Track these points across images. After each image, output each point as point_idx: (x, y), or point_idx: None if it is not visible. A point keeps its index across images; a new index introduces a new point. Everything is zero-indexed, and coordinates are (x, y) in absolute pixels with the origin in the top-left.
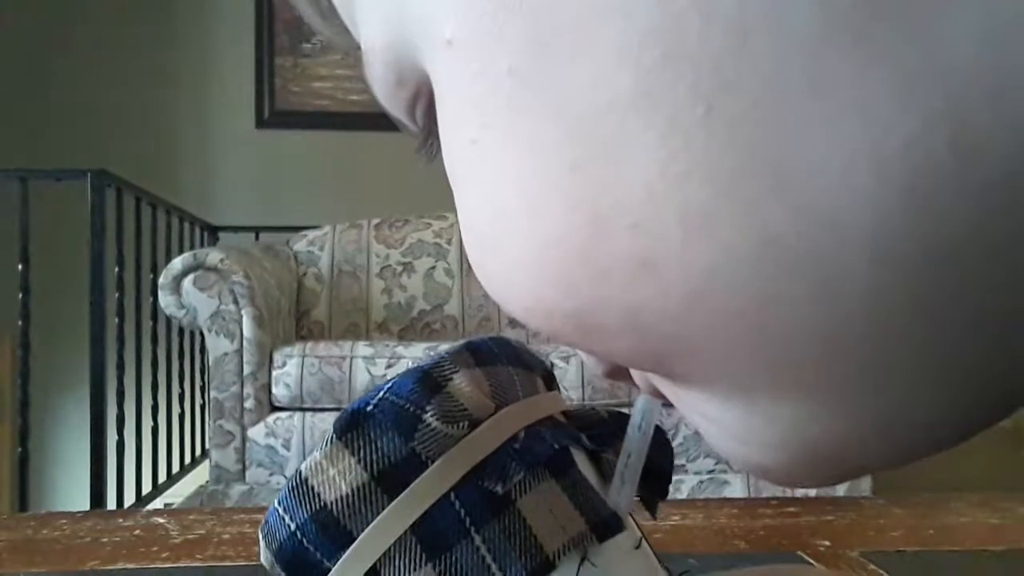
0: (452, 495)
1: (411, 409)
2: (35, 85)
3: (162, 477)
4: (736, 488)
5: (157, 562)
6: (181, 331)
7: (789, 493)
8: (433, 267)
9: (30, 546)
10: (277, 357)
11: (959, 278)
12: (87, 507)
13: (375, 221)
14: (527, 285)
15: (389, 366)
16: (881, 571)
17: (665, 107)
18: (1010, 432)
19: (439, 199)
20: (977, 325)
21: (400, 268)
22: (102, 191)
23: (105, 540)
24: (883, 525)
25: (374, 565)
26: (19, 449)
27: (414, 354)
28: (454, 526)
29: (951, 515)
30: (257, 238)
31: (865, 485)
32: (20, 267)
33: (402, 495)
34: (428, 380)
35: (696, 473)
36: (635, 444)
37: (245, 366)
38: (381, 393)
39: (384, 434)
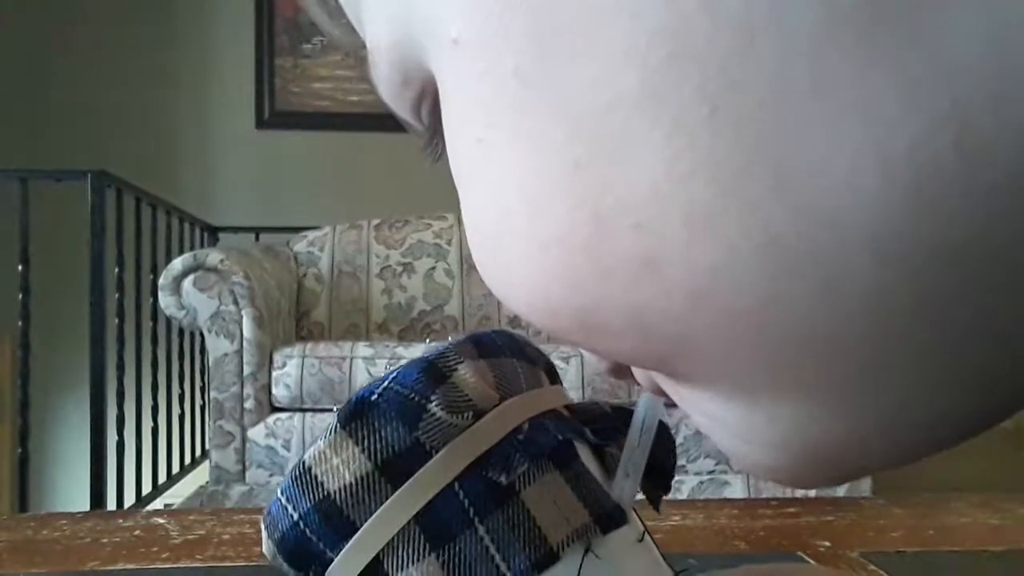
0: (456, 485)
1: (415, 399)
2: (35, 85)
3: (162, 478)
4: (736, 489)
5: (157, 563)
6: (181, 332)
7: (789, 493)
8: (433, 268)
9: (30, 546)
10: (277, 358)
11: (962, 279)
12: (87, 507)
13: (375, 222)
14: (531, 283)
15: (389, 367)
16: (881, 571)
17: (670, 107)
18: (1011, 433)
19: (439, 200)
20: (979, 326)
21: (400, 269)
22: (102, 191)
23: (105, 540)
24: (883, 525)
25: (377, 555)
26: (19, 449)
27: (414, 355)
28: (458, 516)
29: (951, 515)
30: (257, 239)
31: (865, 485)
32: (20, 267)
33: (406, 485)
34: (433, 370)
35: (696, 474)
36: (638, 439)
37: (245, 367)
38: (385, 383)
39: (388, 424)
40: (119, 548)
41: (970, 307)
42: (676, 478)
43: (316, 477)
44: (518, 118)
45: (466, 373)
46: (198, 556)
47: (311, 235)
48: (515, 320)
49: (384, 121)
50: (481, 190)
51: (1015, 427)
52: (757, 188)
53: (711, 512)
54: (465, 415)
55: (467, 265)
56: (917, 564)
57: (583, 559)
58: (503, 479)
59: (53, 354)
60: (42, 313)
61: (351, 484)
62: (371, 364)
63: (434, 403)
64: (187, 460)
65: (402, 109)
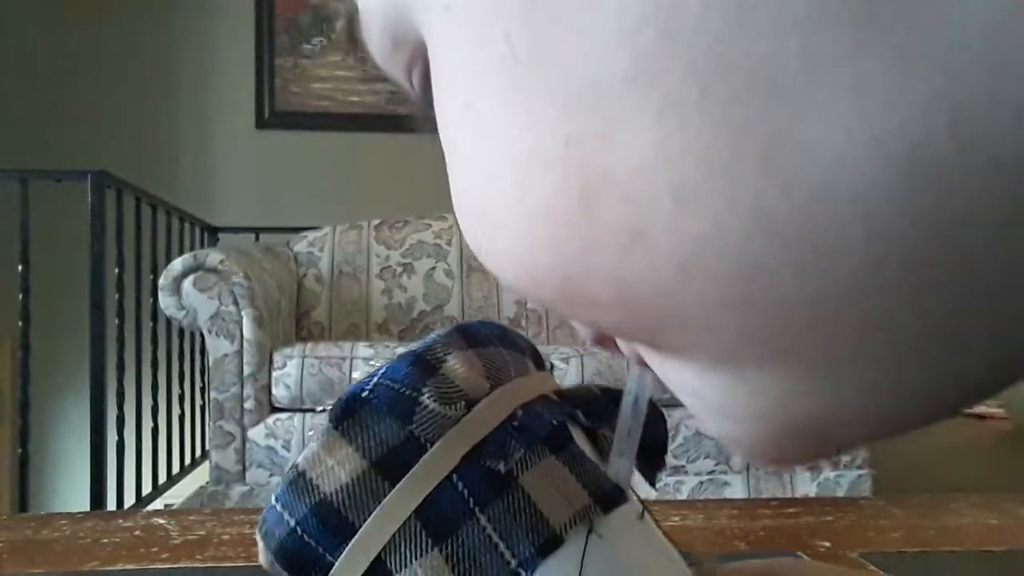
0: (454, 477)
1: (407, 392)
2: (35, 85)
3: (162, 478)
4: (736, 489)
5: (157, 563)
6: (181, 332)
7: (789, 494)
8: (433, 268)
9: (30, 547)
10: (277, 358)
11: (956, 253)
12: (87, 508)
13: (375, 222)
14: (518, 253)
15: None
16: (881, 572)
17: (660, 88)
18: (1010, 433)
19: (439, 200)
20: (971, 300)
21: (400, 269)
22: (102, 192)
23: (105, 541)
24: (883, 526)
25: (379, 555)
26: (19, 450)
27: None
28: (458, 508)
29: (951, 516)
30: (257, 239)
31: (865, 486)
32: (20, 268)
33: (403, 480)
34: (422, 363)
35: (696, 474)
36: (630, 417)
37: (245, 367)
38: (375, 379)
39: (381, 420)
40: (119, 548)
41: (963, 281)
42: (676, 479)
43: (311, 481)
44: (508, 88)
45: (456, 364)
46: (198, 556)
47: (311, 235)
48: (515, 321)
49: (384, 121)
50: (468, 157)
51: (1015, 428)
52: (746, 166)
53: (711, 512)
54: (458, 405)
55: (467, 266)
56: (917, 565)
57: (587, 540)
58: (501, 467)
59: (53, 354)
60: (42, 313)
61: (347, 484)
62: (371, 364)
63: (426, 395)
64: (187, 460)
65: (394, 72)
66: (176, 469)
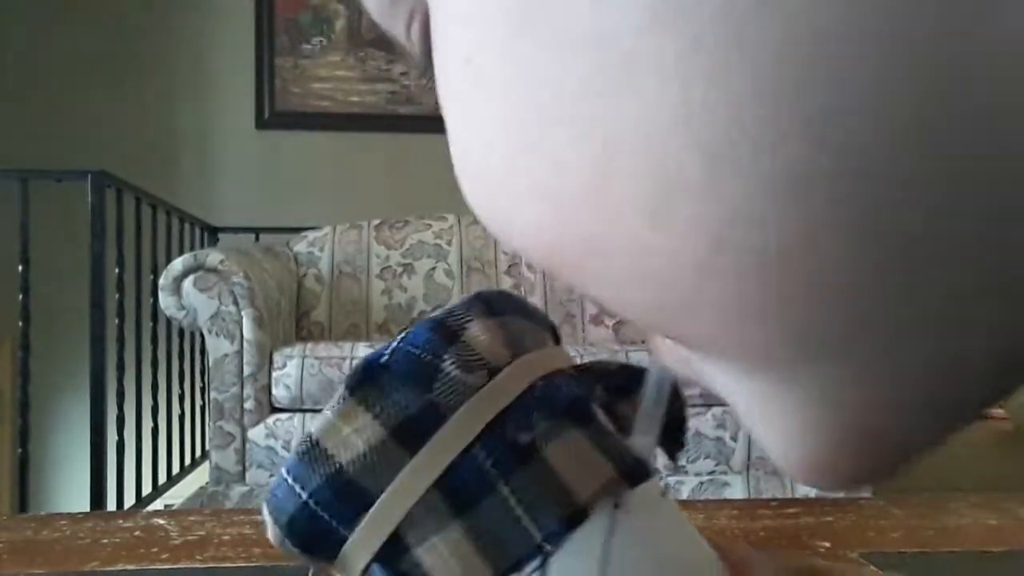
0: (475, 447)
1: (428, 359)
2: (35, 85)
3: (162, 478)
4: (736, 489)
5: (157, 563)
6: (181, 332)
7: (789, 494)
8: (433, 268)
9: (30, 547)
10: (277, 358)
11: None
12: (87, 508)
13: (375, 222)
14: (529, 219)
15: None
16: (881, 572)
17: (689, 28)
18: (1011, 433)
19: (439, 200)
20: None
21: (400, 269)
22: (102, 192)
23: (105, 541)
24: (883, 526)
25: (396, 529)
26: (19, 450)
27: None
28: (480, 479)
29: (951, 516)
30: (257, 239)
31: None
32: (20, 267)
33: (423, 450)
34: (443, 329)
35: (696, 474)
36: (654, 395)
37: (245, 367)
38: (395, 344)
39: (401, 386)
40: (119, 549)
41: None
42: (675, 479)
43: (326, 451)
44: (511, 37)
45: (477, 331)
46: (198, 557)
47: (311, 235)
48: None
49: (384, 121)
50: (471, 117)
51: (1015, 427)
52: (784, 123)
53: (711, 513)
54: (480, 373)
55: (467, 266)
56: (917, 565)
57: (613, 515)
58: (524, 438)
59: (53, 354)
60: (42, 313)
61: (365, 454)
62: None
63: (448, 362)
64: (187, 461)
65: (392, 27)
66: (176, 469)
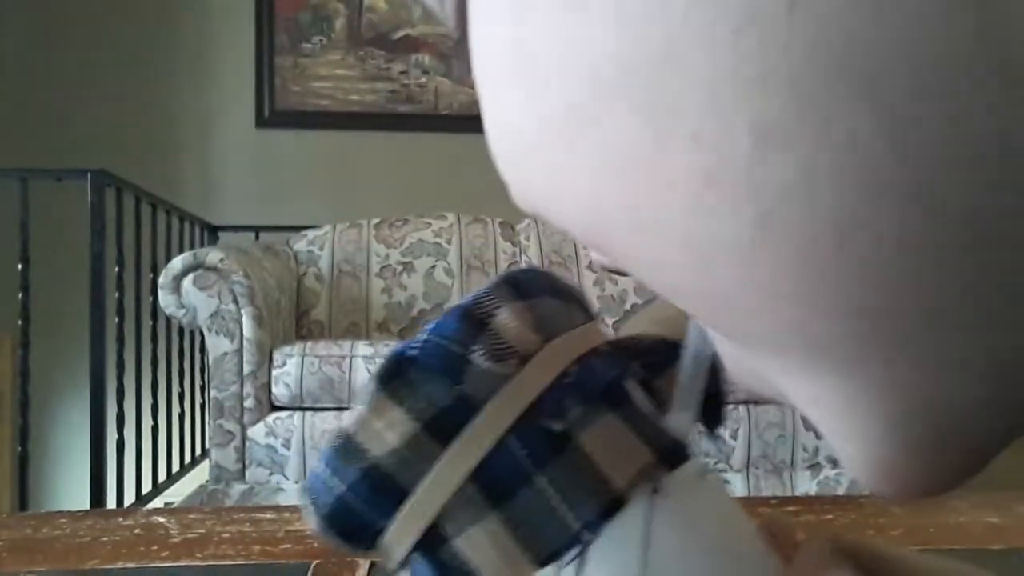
0: (509, 438)
1: (457, 350)
2: (35, 85)
3: (162, 476)
4: (736, 487)
5: (157, 561)
6: (181, 331)
7: (790, 492)
8: (433, 266)
9: (30, 545)
10: (277, 356)
11: None
12: (87, 506)
13: (375, 221)
14: (575, 194)
15: None
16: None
17: (742, 1)
18: None
19: (439, 199)
20: None
21: (400, 268)
22: (102, 191)
23: (105, 539)
24: (883, 524)
25: (434, 521)
26: (19, 449)
27: None
28: (515, 470)
29: (951, 514)
30: (257, 238)
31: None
32: (20, 267)
33: (456, 442)
34: (471, 318)
35: None
36: (691, 370)
37: (245, 365)
38: (423, 335)
39: (430, 379)
40: (119, 546)
41: None
42: None
43: (359, 445)
44: (559, 14)
45: (506, 318)
46: (198, 555)
47: (311, 234)
48: None
49: (384, 120)
50: (513, 95)
51: None
52: (841, 96)
53: None
54: (509, 363)
55: (467, 265)
56: None
57: (652, 500)
58: (557, 426)
59: (53, 353)
60: (42, 313)
61: (398, 448)
62: (371, 363)
63: (476, 353)
64: (187, 459)
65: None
66: (176, 467)
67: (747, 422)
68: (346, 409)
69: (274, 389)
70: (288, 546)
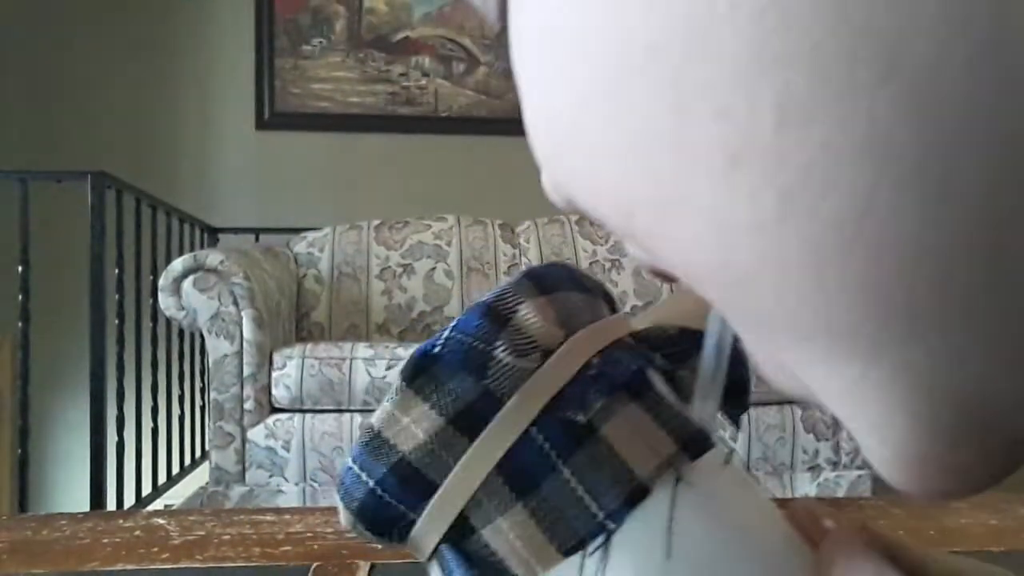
0: (533, 430)
1: (480, 346)
2: (35, 86)
3: (162, 478)
4: None
5: (157, 563)
6: (181, 333)
7: (789, 494)
8: (433, 269)
9: (30, 547)
10: (277, 358)
11: None
12: (87, 508)
13: (375, 223)
14: (610, 180)
15: (389, 367)
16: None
17: None
18: None
19: (439, 201)
20: None
21: (400, 270)
22: (102, 192)
23: (105, 541)
24: (883, 526)
25: (462, 512)
26: (19, 450)
27: None
28: (540, 461)
29: (951, 515)
30: (257, 240)
31: (865, 486)
32: (20, 268)
33: (482, 436)
34: (493, 314)
35: None
36: (714, 359)
37: (245, 367)
38: (447, 332)
39: (455, 375)
40: (119, 548)
41: None
42: None
43: (387, 440)
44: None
45: (528, 313)
46: (198, 556)
47: (311, 236)
48: None
49: (384, 121)
50: (549, 78)
51: None
52: (863, 76)
53: None
54: (532, 357)
55: (467, 267)
56: None
57: (676, 489)
58: (581, 417)
59: (53, 354)
60: (42, 313)
61: (425, 443)
62: (371, 365)
63: (500, 348)
64: (187, 461)
65: None
66: (176, 469)
67: (747, 424)
68: (346, 411)
69: (274, 391)
70: (288, 548)
